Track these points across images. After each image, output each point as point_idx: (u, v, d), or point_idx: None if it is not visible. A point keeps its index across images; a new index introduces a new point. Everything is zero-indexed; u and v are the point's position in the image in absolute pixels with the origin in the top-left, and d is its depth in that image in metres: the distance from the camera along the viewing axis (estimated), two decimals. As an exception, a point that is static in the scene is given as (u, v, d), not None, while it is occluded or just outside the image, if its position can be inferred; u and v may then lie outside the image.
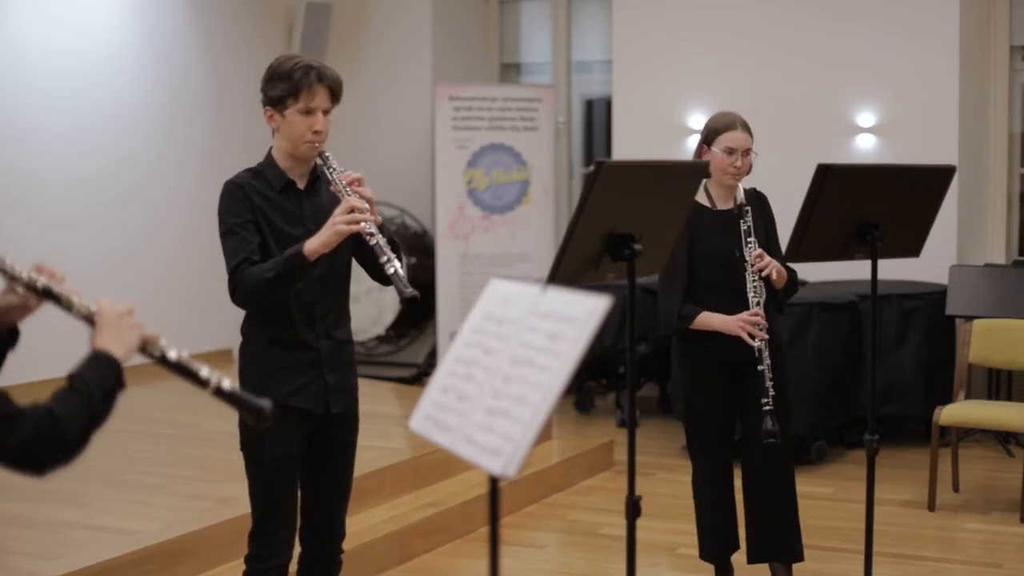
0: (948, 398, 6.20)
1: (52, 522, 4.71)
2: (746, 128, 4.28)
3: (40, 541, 4.52)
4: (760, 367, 4.16)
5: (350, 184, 3.28)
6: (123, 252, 7.75)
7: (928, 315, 6.92)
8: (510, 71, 9.43)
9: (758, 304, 4.18)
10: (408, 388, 7.68)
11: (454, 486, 5.71)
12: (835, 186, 3.69)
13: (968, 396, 6.16)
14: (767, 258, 4.19)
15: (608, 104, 8.69)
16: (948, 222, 6.81)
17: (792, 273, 4.35)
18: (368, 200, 3.26)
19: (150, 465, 5.52)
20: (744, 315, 4.16)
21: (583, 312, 2.03)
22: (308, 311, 3.37)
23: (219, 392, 2.17)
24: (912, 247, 4.02)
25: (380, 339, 8.77)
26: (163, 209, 8.02)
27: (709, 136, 4.29)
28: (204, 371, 2.17)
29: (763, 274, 4.18)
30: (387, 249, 3.23)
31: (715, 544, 4.49)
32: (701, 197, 4.31)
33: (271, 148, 3.42)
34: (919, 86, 7.49)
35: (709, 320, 4.21)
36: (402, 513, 5.33)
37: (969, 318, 6.38)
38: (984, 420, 5.99)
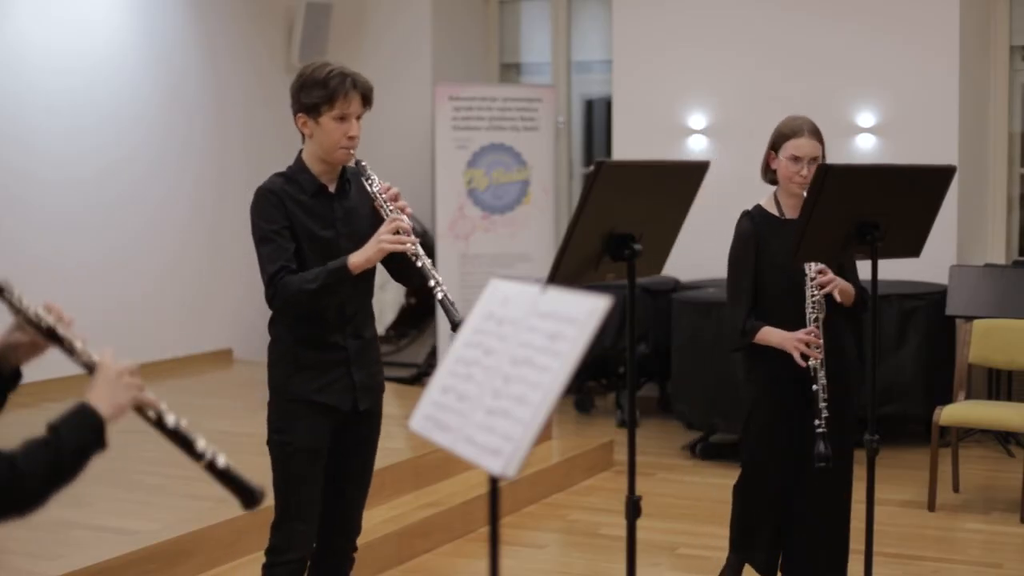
0: (948, 398, 6.20)
1: (52, 522, 4.70)
2: (815, 135, 4.07)
3: (40, 541, 4.52)
4: (814, 387, 3.96)
5: (392, 199, 3.36)
6: (123, 252, 7.75)
7: (928, 315, 6.92)
8: (510, 71, 9.43)
9: (815, 321, 3.98)
10: (408, 388, 7.68)
11: (454, 486, 5.71)
12: (835, 186, 3.68)
13: (968, 396, 6.16)
14: (829, 274, 4.00)
15: (608, 104, 8.69)
16: (948, 222, 6.80)
17: (863, 292, 4.15)
18: (407, 214, 3.36)
19: (150, 465, 5.51)
20: (799, 333, 3.97)
21: (583, 312, 2.03)
22: (339, 311, 3.43)
23: (211, 468, 2.11)
24: (912, 247, 4.00)
25: (380, 339, 8.75)
26: (163, 209, 8.02)
27: (776, 142, 4.10)
28: (200, 443, 2.11)
29: (824, 291, 3.99)
30: (435, 272, 3.31)
31: (750, 558, 4.32)
32: (770, 205, 4.15)
33: (300, 152, 3.45)
34: (919, 86, 7.49)
35: (768, 336, 4.03)
36: (402, 513, 5.33)
37: (969, 318, 6.38)
38: (984, 420, 5.99)
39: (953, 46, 7.39)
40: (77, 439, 1.97)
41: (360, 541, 3.65)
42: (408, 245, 3.30)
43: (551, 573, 5.12)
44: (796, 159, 4.03)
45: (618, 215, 3.13)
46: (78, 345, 2.10)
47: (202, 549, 4.58)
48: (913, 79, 7.50)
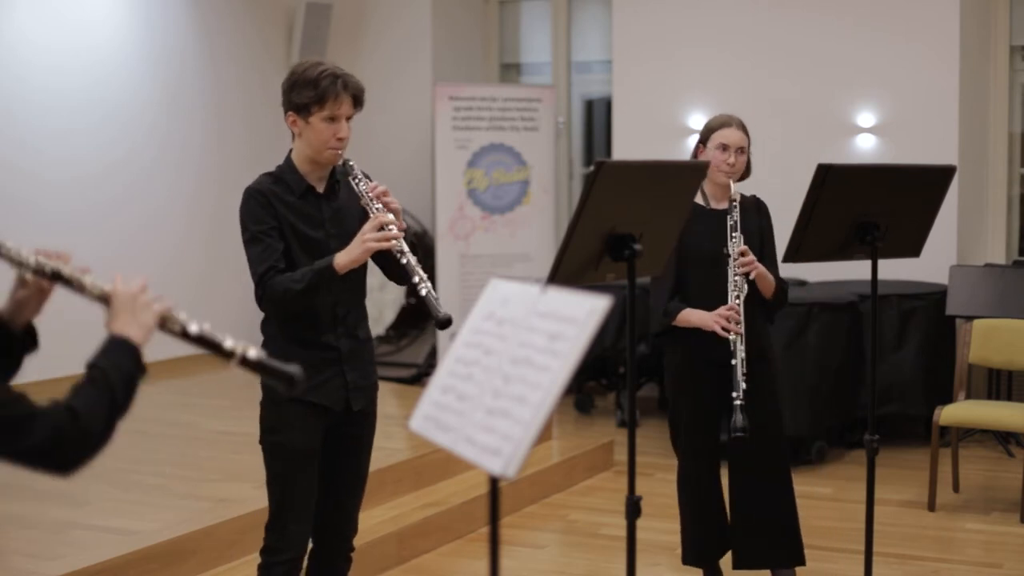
0: (948, 398, 6.20)
1: (52, 522, 4.71)
2: (741, 127, 4.28)
3: (40, 541, 4.52)
4: (733, 361, 4.11)
5: (378, 197, 3.35)
6: (123, 251, 7.74)
7: (928, 315, 6.92)
8: (510, 71, 9.43)
9: (737, 299, 4.14)
10: (408, 388, 7.68)
11: (454, 486, 5.71)
12: (835, 186, 3.69)
13: (968, 396, 6.16)
14: (751, 256, 4.16)
15: (608, 104, 8.69)
16: (948, 222, 6.81)
17: (782, 283, 4.31)
18: (395, 212, 3.35)
19: (150, 465, 5.52)
20: (720, 309, 4.13)
21: (583, 312, 2.03)
22: (330, 311, 3.41)
23: (245, 362, 2.08)
24: (912, 247, 4.01)
25: (380, 339, 8.77)
26: (162, 209, 8.01)
27: (705, 135, 4.30)
28: (229, 342, 2.08)
29: (744, 270, 4.14)
30: (419, 268, 3.31)
31: (699, 548, 4.43)
32: (696, 195, 4.29)
33: (290, 152, 3.45)
34: (919, 86, 7.49)
35: (689, 317, 4.20)
36: (402, 513, 5.33)
37: (969, 318, 6.37)
38: (984, 420, 5.99)
39: (953, 46, 7.39)
40: (121, 370, 1.99)
41: (360, 541, 3.65)
42: (393, 242, 3.28)
43: (551, 573, 5.12)
44: (724, 147, 4.24)
45: (618, 215, 3.13)
46: (87, 281, 2.09)
47: (202, 549, 4.58)
48: (913, 79, 7.50)
